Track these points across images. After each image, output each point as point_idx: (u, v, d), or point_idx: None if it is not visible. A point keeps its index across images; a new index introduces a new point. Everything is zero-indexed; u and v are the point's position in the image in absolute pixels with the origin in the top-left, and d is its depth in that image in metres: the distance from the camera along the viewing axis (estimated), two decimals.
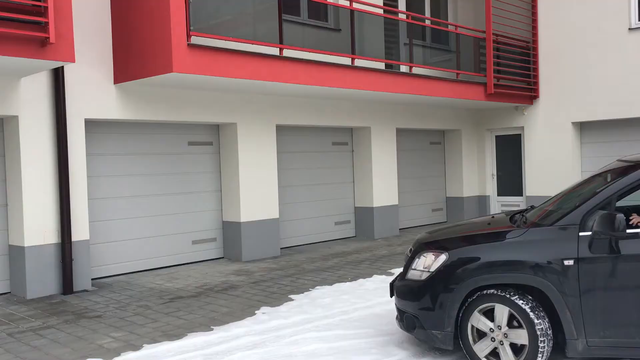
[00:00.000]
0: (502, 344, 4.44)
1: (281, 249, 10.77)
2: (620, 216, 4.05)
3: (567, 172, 13.10)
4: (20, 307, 7.04)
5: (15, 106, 7.41)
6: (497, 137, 14.58)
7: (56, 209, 7.73)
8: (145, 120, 8.80)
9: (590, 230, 4.25)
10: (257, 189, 9.97)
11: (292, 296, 7.18)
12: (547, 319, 4.35)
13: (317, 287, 7.61)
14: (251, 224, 9.89)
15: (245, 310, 6.59)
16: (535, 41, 13.32)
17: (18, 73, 7.13)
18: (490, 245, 4.59)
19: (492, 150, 14.65)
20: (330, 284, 7.85)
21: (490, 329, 4.48)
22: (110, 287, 8.02)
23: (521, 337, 4.36)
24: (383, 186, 12.18)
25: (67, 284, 7.67)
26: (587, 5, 12.54)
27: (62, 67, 7.63)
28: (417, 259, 4.93)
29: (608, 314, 4.24)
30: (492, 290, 4.47)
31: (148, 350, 5.28)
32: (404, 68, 11.43)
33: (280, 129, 10.77)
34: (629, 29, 11.98)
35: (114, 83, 8.26)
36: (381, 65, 10.42)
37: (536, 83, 13.37)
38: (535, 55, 13.31)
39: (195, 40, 7.73)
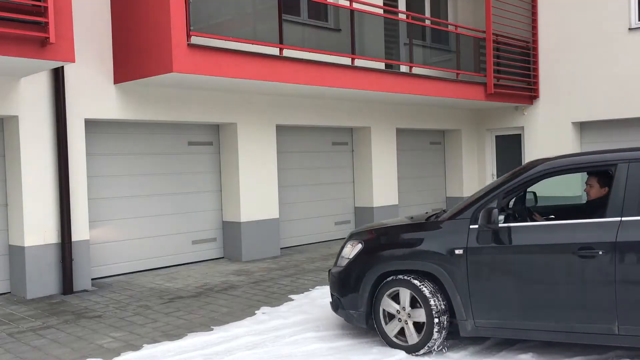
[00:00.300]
0: (407, 323, 5.01)
1: (281, 249, 10.77)
2: (495, 211, 4.63)
3: None
4: (20, 307, 7.04)
5: (15, 106, 7.41)
6: (497, 137, 14.58)
7: (56, 208, 7.73)
8: (145, 120, 8.81)
9: (477, 224, 4.77)
10: (257, 189, 9.97)
11: (292, 296, 7.17)
12: (444, 302, 4.88)
13: (317, 287, 7.61)
14: (251, 224, 9.88)
15: (245, 310, 6.59)
16: (535, 41, 13.32)
17: (18, 73, 7.13)
18: (396, 237, 5.25)
19: (492, 150, 14.65)
20: None
21: (397, 310, 5.05)
22: (110, 287, 8.02)
23: (421, 316, 4.90)
24: (383, 186, 12.18)
25: (67, 284, 7.67)
26: (587, 5, 12.54)
27: (62, 67, 7.62)
28: (344, 248, 5.54)
29: (491, 298, 4.72)
30: (400, 276, 5.02)
31: (148, 350, 5.28)
32: (404, 68, 11.42)
33: (280, 129, 10.77)
34: (629, 29, 11.98)
35: (114, 83, 8.26)
36: (381, 65, 10.42)
37: (536, 83, 13.37)
38: (535, 55, 13.31)
39: (195, 40, 7.73)
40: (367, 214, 12.05)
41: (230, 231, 9.98)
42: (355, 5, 9.87)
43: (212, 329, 5.87)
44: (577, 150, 13.17)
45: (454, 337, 5.35)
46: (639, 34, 11.90)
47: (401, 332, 5.07)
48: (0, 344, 5.60)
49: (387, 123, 12.25)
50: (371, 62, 10.15)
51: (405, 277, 4.99)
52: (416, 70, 11.18)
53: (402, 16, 11.39)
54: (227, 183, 9.97)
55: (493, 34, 12.37)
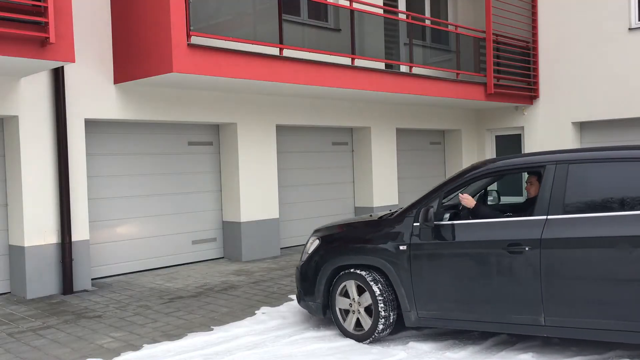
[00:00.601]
0: (359, 313, 5.34)
1: (281, 249, 10.77)
2: (431, 210, 4.97)
3: None
4: (20, 307, 7.04)
5: (15, 106, 7.41)
6: (497, 137, 14.58)
7: (56, 209, 7.73)
8: (145, 120, 8.80)
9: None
10: (257, 189, 9.96)
11: (292, 296, 7.17)
12: (391, 295, 5.21)
13: None
14: (251, 224, 9.88)
15: (245, 310, 6.59)
16: (535, 41, 13.32)
17: (18, 73, 7.13)
18: (349, 234, 5.65)
19: (492, 150, 14.64)
20: None
21: (350, 304, 5.40)
22: (110, 287, 8.02)
23: (369, 311, 5.27)
24: (383, 186, 12.18)
25: (67, 284, 7.67)
26: (587, 5, 12.54)
27: (62, 67, 7.62)
28: (307, 244, 5.95)
29: (431, 291, 5.05)
30: (353, 270, 5.38)
31: (148, 350, 5.28)
32: (404, 68, 11.42)
33: (280, 129, 10.76)
34: (629, 29, 11.98)
35: (114, 83, 8.26)
36: (381, 65, 10.42)
37: (536, 83, 13.36)
38: (535, 55, 13.31)
39: (195, 40, 7.72)
40: (368, 214, 12.03)
41: (230, 231, 9.98)
42: (355, 5, 9.86)
43: (212, 329, 5.88)
44: None
45: (454, 338, 5.36)
46: (639, 34, 11.90)
47: (354, 321, 5.43)
48: (0, 344, 5.60)
49: (387, 123, 12.25)
50: (371, 62, 10.15)
51: (357, 271, 5.35)
52: (416, 70, 11.18)
53: (402, 16, 11.39)
54: (227, 183, 9.97)
55: (493, 34, 12.37)
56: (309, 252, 5.82)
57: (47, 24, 6.17)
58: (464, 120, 14.24)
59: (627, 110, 12.08)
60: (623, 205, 4.52)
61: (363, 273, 5.31)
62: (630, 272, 4.35)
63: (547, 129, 13.36)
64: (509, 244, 4.73)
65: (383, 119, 12.15)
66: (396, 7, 12.21)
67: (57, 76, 7.64)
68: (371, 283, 5.23)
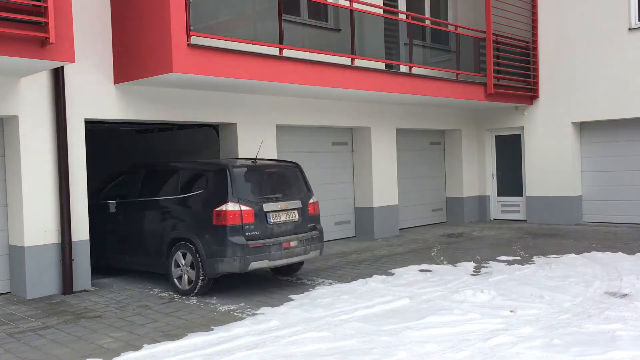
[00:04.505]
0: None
1: None
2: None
3: (567, 172, 13.12)
4: (20, 307, 7.04)
5: (15, 106, 7.41)
6: (497, 137, 14.59)
7: (56, 209, 7.72)
8: (144, 121, 8.80)
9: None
10: None
11: (292, 296, 7.17)
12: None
13: (317, 287, 7.61)
14: None
15: (245, 311, 6.59)
16: (535, 41, 13.33)
17: (18, 73, 7.13)
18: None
19: (492, 150, 14.66)
20: (330, 284, 7.85)
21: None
22: (110, 287, 8.02)
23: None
24: (383, 186, 12.18)
25: (67, 284, 7.67)
26: (587, 5, 12.55)
27: (62, 67, 7.62)
28: None
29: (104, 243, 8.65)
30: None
31: (148, 350, 5.28)
32: (404, 68, 11.43)
33: (280, 129, 10.76)
34: (629, 29, 12.00)
35: (114, 83, 8.26)
36: (381, 65, 10.42)
37: (536, 83, 13.38)
38: (535, 55, 13.32)
39: (195, 40, 7.72)
40: (367, 214, 12.05)
41: None
42: (355, 5, 9.87)
43: (212, 329, 5.87)
44: (577, 151, 13.19)
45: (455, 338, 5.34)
46: (639, 34, 11.90)
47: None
48: (0, 344, 5.60)
49: (387, 123, 12.25)
50: (371, 62, 10.15)
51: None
52: (416, 70, 11.18)
53: (402, 16, 11.39)
54: None
55: (493, 34, 12.38)
56: None
57: (47, 24, 6.17)
58: (464, 120, 14.25)
59: (627, 110, 12.10)
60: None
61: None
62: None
63: (547, 129, 13.38)
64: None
65: (383, 119, 12.16)
66: (396, 7, 12.22)
67: (57, 76, 7.63)
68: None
